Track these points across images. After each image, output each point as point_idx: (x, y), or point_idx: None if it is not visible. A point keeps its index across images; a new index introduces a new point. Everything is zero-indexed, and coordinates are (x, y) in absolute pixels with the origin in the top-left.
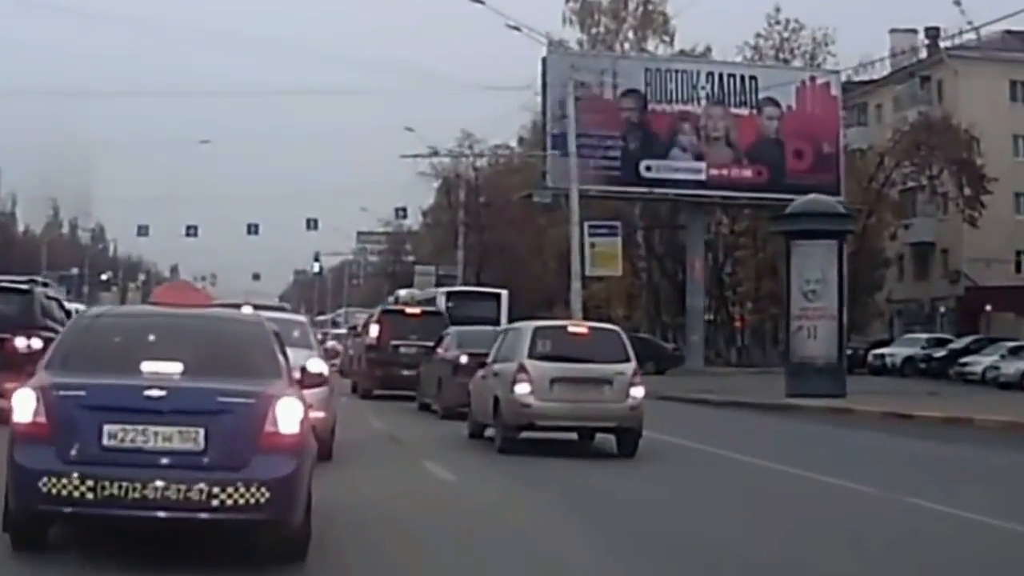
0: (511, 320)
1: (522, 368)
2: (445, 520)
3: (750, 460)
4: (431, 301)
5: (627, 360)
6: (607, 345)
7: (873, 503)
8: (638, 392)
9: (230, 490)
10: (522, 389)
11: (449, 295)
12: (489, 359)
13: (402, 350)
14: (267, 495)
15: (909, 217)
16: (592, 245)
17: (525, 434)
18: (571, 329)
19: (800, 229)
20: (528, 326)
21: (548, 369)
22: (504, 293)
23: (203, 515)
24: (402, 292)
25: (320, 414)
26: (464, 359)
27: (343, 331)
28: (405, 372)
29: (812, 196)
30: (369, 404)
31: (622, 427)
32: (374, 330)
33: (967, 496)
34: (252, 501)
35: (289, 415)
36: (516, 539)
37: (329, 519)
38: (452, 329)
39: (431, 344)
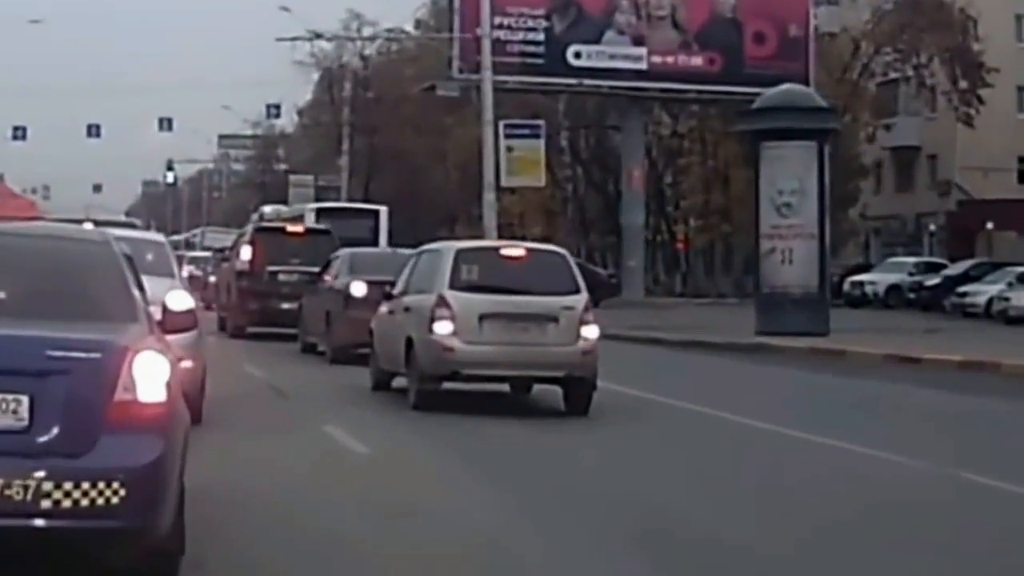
0: (397, 243)
1: (442, 301)
2: (364, 513)
3: (740, 420)
4: (300, 220)
5: (576, 291)
6: (550, 272)
7: (907, 474)
8: (591, 332)
9: (68, 486)
10: (443, 328)
11: (319, 212)
12: (396, 289)
13: (281, 278)
14: (122, 492)
15: (890, 116)
16: (509, 149)
17: (447, 385)
18: (504, 252)
19: (772, 128)
20: (449, 247)
21: (476, 303)
22: (384, 210)
23: (32, 522)
24: (267, 209)
25: (187, 363)
26: (359, 289)
27: (202, 254)
28: (285, 305)
29: (786, 86)
30: (242, 345)
31: (572, 376)
32: (246, 253)
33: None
34: (101, 501)
35: (151, 375)
36: (457, 535)
37: (206, 519)
38: (344, 252)
39: (317, 270)
